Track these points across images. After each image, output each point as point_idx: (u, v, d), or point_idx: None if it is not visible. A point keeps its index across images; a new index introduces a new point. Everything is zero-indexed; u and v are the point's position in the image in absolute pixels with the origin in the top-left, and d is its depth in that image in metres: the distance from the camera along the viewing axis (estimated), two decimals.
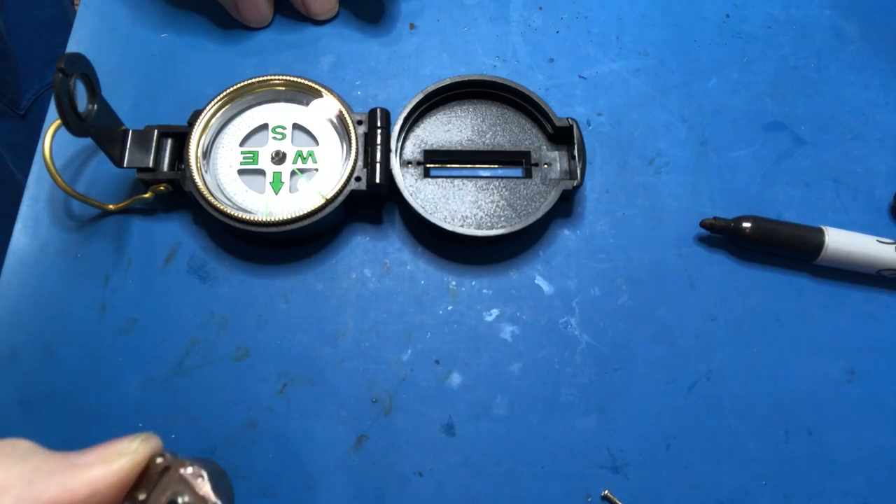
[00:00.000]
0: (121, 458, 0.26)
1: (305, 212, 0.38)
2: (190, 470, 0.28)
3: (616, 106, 0.45)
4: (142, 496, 0.27)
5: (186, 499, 0.27)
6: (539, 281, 0.40)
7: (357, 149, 0.40)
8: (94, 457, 0.26)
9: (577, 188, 0.40)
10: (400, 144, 0.41)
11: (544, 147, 0.42)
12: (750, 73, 0.46)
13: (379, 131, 0.40)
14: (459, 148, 0.42)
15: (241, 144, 0.41)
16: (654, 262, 0.41)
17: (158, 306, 0.39)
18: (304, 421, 0.37)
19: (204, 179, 0.39)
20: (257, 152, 0.41)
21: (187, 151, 0.39)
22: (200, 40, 0.46)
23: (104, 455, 0.26)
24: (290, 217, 0.38)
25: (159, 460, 0.28)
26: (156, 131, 0.40)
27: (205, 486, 0.28)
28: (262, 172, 0.40)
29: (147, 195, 0.40)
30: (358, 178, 0.39)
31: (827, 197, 0.43)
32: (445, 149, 0.42)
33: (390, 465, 0.36)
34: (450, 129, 0.42)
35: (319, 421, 0.37)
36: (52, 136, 0.38)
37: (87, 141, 0.41)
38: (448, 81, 0.42)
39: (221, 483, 0.28)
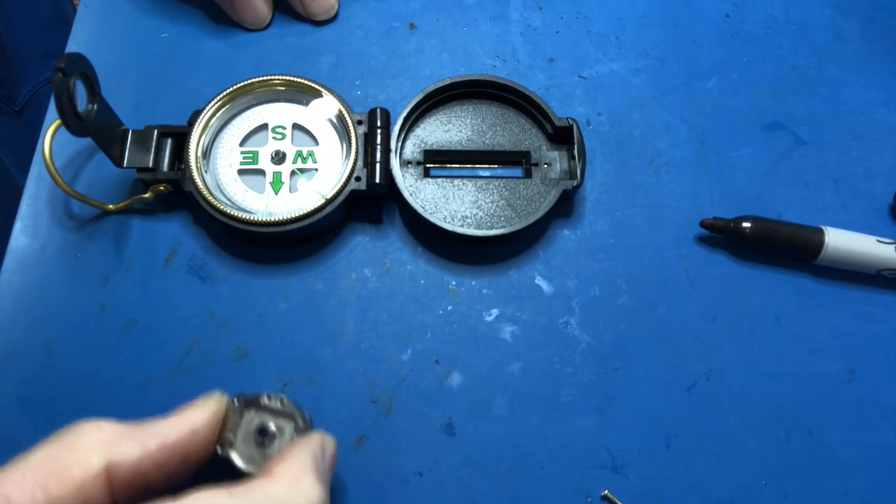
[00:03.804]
0: (207, 402, 0.29)
1: (305, 212, 0.38)
2: (267, 398, 0.32)
3: (616, 106, 0.45)
4: (231, 436, 0.30)
5: (273, 423, 0.31)
6: (539, 281, 0.40)
7: (357, 149, 0.40)
8: (183, 408, 0.28)
9: (577, 188, 0.40)
10: (400, 144, 0.41)
11: (544, 147, 0.42)
12: (750, 73, 0.46)
13: (379, 131, 0.40)
14: (459, 148, 0.42)
15: (241, 144, 0.41)
16: (654, 262, 0.41)
17: (158, 306, 0.39)
18: None
19: (204, 179, 0.39)
20: (257, 152, 0.41)
21: (187, 151, 0.39)
22: (200, 40, 0.46)
23: (192, 405, 0.29)
24: (290, 217, 0.38)
25: (236, 404, 0.31)
26: (156, 131, 0.40)
27: (288, 406, 0.32)
28: (261, 172, 0.40)
29: (147, 195, 0.40)
30: (358, 178, 0.39)
31: (827, 197, 0.43)
32: (445, 149, 0.42)
33: (390, 465, 0.36)
34: (450, 129, 0.42)
35: (319, 421, 0.37)
36: (51, 136, 0.38)
37: (87, 141, 0.41)
38: (448, 81, 0.42)
39: (296, 406, 0.32)
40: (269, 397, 0.32)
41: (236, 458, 0.30)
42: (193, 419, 0.28)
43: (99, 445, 0.25)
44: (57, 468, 0.24)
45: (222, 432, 0.30)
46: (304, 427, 0.32)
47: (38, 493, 0.23)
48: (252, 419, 0.32)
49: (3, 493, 0.23)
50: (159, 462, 0.26)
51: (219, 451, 0.30)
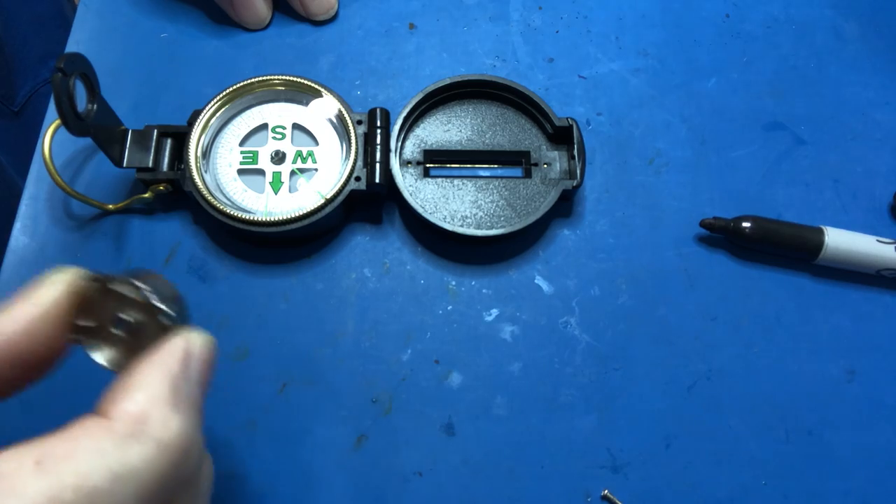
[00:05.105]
0: (44, 288, 0.23)
1: (305, 212, 0.38)
2: (129, 285, 0.25)
3: (616, 106, 0.45)
4: (85, 323, 0.25)
5: (132, 315, 0.25)
6: (539, 281, 0.40)
7: (357, 149, 0.40)
8: (16, 298, 0.23)
9: (576, 188, 0.40)
10: (400, 144, 0.41)
11: (544, 147, 0.42)
12: (750, 73, 0.46)
13: (379, 131, 0.40)
14: (459, 148, 0.42)
15: (241, 144, 0.41)
16: (654, 261, 0.41)
17: None
18: (303, 421, 0.37)
19: (203, 179, 0.39)
20: (257, 152, 0.41)
21: (187, 151, 0.39)
22: (200, 40, 0.46)
23: (27, 293, 0.23)
24: (289, 217, 0.38)
25: (95, 284, 0.25)
26: (155, 131, 0.40)
27: (150, 297, 0.25)
28: (261, 172, 0.40)
29: (147, 195, 0.40)
30: (357, 178, 0.39)
31: (827, 197, 0.43)
32: (445, 149, 0.42)
33: (390, 465, 0.36)
34: (449, 128, 0.42)
35: (319, 421, 0.37)
36: (51, 136, 0.38)
37: (87, 141, 0.41)
38: (448, 81, 0.42)
39: (167, 291, 0.26)
40: (133, 280, 0.25)
41: (97, 356, 0.26)
42: (24, 313, 0.23)
43: None
44: None
45: (79, 316, 0.24)
46: (171, 323, 0.25)
47: None
48: (108, 306, 0.25)
49: None
50: None
51: (73, 336, 0.25)
